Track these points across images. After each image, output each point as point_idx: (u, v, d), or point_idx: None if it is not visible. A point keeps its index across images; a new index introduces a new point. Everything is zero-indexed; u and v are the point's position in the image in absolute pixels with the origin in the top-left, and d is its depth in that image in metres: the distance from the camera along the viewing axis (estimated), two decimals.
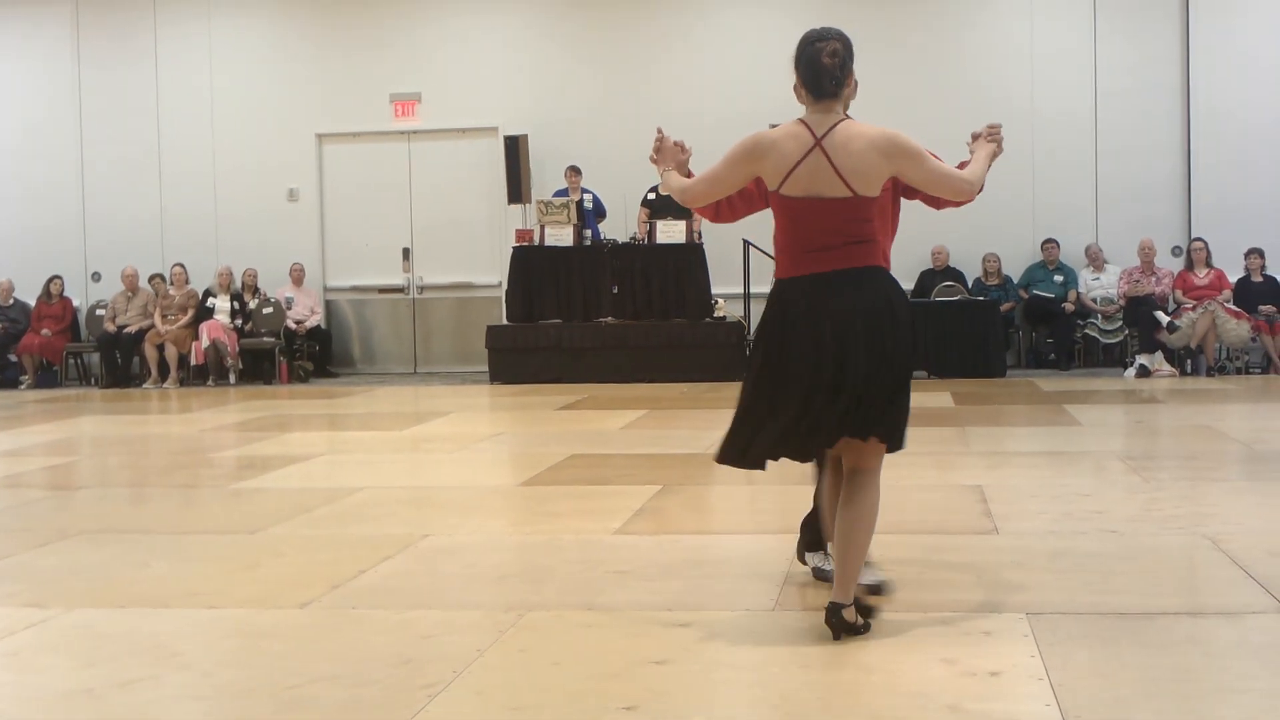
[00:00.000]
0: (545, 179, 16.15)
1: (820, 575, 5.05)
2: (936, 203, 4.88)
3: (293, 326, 16.33)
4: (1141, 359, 14.25)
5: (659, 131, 5.01)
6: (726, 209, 5.09)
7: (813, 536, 5.12)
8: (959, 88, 15.48)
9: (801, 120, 4.42)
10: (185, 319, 16.10)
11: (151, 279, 16.74)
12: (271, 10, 17.19)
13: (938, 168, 4.44)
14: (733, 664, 4.19)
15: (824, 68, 4.36)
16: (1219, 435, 9.34)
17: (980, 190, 4.54)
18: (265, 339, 16.18)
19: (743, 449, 4.48)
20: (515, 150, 15.87)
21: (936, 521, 6.28)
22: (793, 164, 4.35)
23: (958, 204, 4.72)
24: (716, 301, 15.10)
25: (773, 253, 4.72)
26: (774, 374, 4.40)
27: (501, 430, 10.90)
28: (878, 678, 3.97)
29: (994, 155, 4.66)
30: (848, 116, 4.44)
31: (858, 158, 4.31)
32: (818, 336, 4.31)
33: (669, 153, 4.98)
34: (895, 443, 4.43)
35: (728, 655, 4.28)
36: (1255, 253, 14.81)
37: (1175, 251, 15.59)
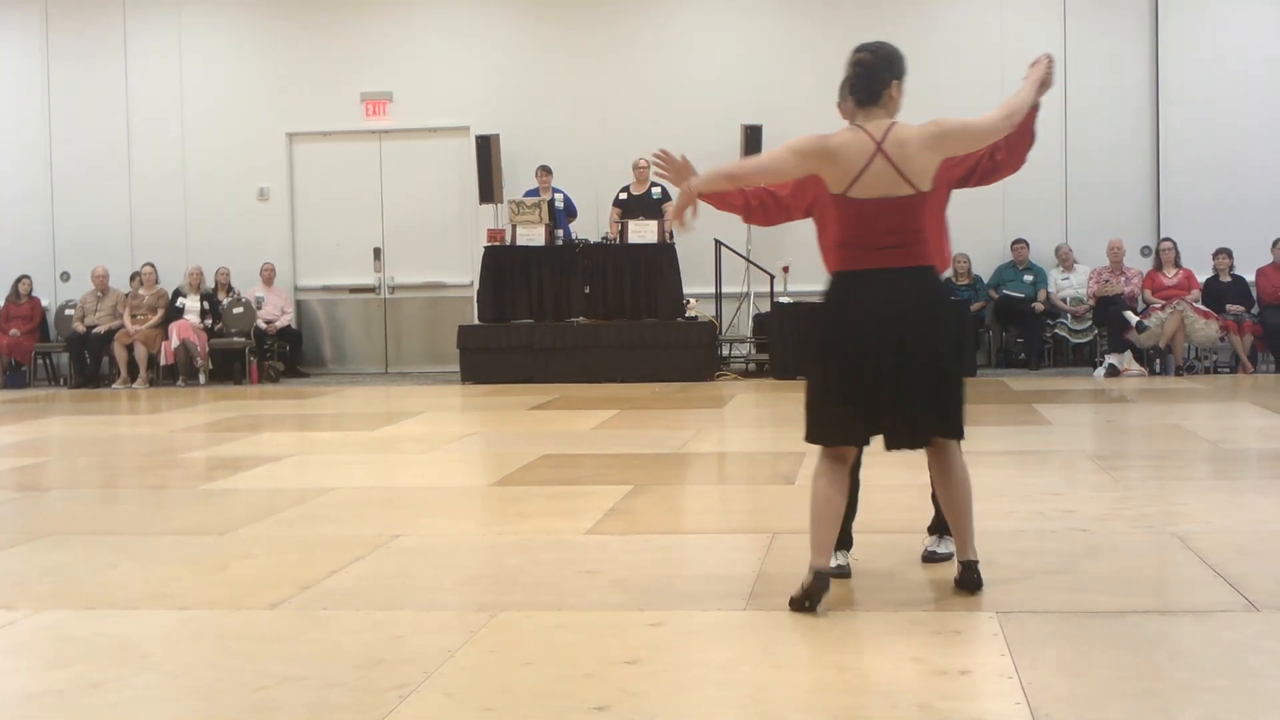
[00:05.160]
0: (517, 179, 16.14)
1: (930, 558, 5.37)
2: (994, 174, 5.11)
3: (263, 326, 16.27)
4: (1111, 358, 14.32)
5: (663, 153, 5.15)
6: (759, 212, 5.28)
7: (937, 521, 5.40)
8: (929, 87, 15.49)
9: (859, 126, 4.69)
10: (155, 319, 16.02)
11: (132, 279, 16.60)
12: (242, 8, 17.11)
13: (979, 125, 4.69)
14: (704, 663, 4.19)
15: (851, 78, 4.74)
16: (1188, 434, 9.38)
17: (1022, 117, 4.74)
18: (235, 339, 16.12)
19: (825, 431, 4.81)
20: (487, 150, 15.85)
21: (906, 521, 6.28)
22: (859, 169, 4.61)
23: (1012, 161, 5.04)
24: (688, 301, 15.11)
25: (823, 252, 4.99)
26: (840, 362, 4.69)
27: (473, 430, 10.89)
28: (848, 677, 3.98)
29: (1039, 84, 4.82)
30: (895, 121, 4.67)
31: (914, 157, 4.59)
32: (879, 330, 4.60)
33: (680, 167, 5.13)
34: (958, 434, 4.78)
35: (699, 655, 4.29)
36: (1223, 253, 14.90)
37: (1144, 251, 15.67)
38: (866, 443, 4.86)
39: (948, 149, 4.70)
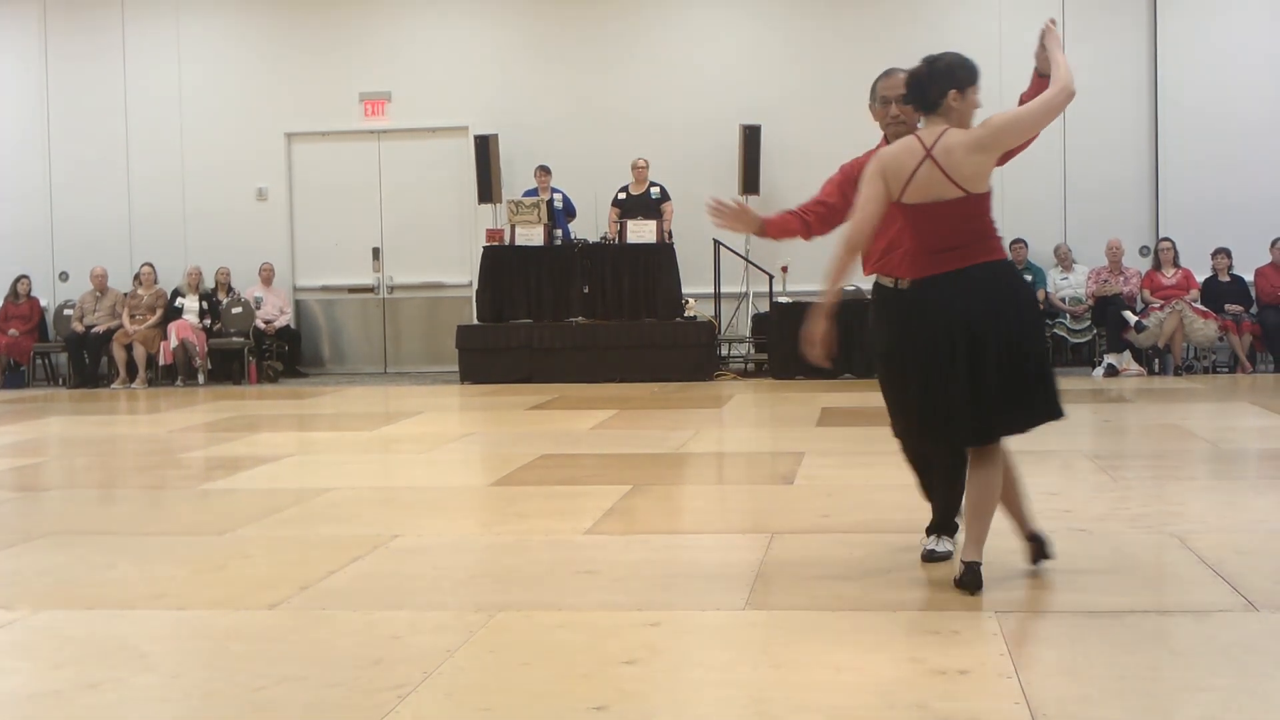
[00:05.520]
0: (515, 178, 16.14)
1: (929, 557, 5.36)
2: (1022, 144, 5.21)
3: (262, 326, 16.26)
4: (1109, 358, 14.32)
5: (717, 202, 5.24)
6: (819, 225, 5.44)
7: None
8: None
9: (914, 134, 4.92)
10: (153, 319, 16.02)
11: (133, 279, 16.57)
12: (241, 8, 17.11)
13: (1031, 113, 4.82)
14: (702, 663, 4.20)
15: (905, 89, 4.98)
16: (1186, 434, 9.38)
17: (1073, 85, 4.81)
18: (234, 339, 16.11)
19: (918, 436, 5.12)
20: (485, 150, 15.85)
21: (904, 520, 6.28)
22: (908, 175, 4.79)
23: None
24: (687, 301, 15.11)
25: (864, 256, 5.20)
26: (922, 369, 4.85)
27: (471, 430, 10.89)
28: (847, 677, 3.98)
29: (1060, 49, 4.98)
30: (949, 127, 4.82)
31: (963, 162, 4.74)
32: (954, 332, 4.75)
33: (739, 213, 5.32)
34: (1057, 413, 4.96)
35: (697, 655, 4.29)
36: (1222, 253, 14.90)
37: (1143, 251, 15.67)
38: (969, 442, 4.93)
39: (1001, 145, 4.81)
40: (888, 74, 5.43)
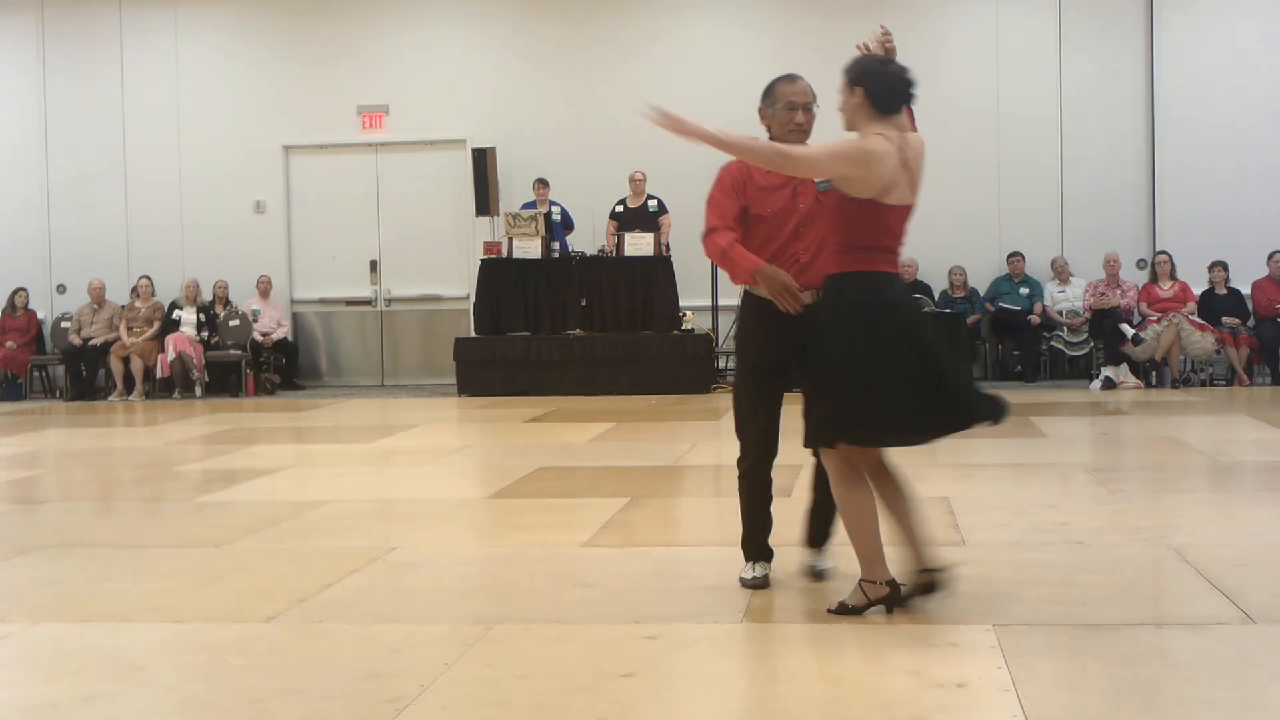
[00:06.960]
0: (513, 191, 16.14)
1: (819, 575, 5.38)
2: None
3: (259, 339, 16.24)
4: (1107, 371, 14.32)
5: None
6: None
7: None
8: (923, 100, 15.52)
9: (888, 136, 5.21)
10: (151, 331, 16.01)
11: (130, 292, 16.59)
12: (238, 21, 17.12)
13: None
14: (700, 676, 4.19)
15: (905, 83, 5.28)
16: (1183, 447, 9.39)
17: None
18: (231, 351, 16.10)
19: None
20: (483, 162, 15.86)
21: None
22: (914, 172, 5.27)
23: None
24: (684, 314, 15.11)
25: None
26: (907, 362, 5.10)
27: (469, 443, 10.88)
28: (844, 690, 3.98)
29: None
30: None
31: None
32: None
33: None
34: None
35: (695, 668, 4.28)
36: (1219, 265, 14.91)
37: (1140, 264, 15.68)
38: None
39: None
40: (790, 79, 5.38)
